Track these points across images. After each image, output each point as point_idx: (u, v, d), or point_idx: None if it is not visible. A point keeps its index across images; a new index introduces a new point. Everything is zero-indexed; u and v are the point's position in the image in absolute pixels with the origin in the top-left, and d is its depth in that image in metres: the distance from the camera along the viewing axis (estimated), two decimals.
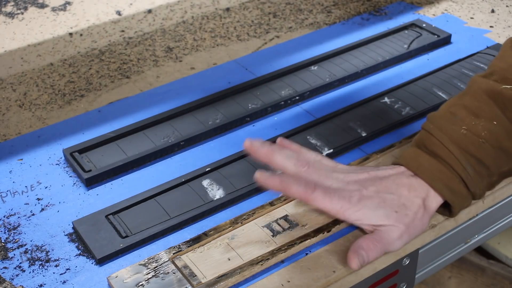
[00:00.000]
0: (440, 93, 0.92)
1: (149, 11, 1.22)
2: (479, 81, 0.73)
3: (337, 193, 0.67)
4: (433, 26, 1.08)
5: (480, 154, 0.69)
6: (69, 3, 1.26)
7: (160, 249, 0.70)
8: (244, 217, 0.73)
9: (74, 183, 0.80)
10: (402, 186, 0.68)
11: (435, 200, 0.69)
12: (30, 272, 0.68)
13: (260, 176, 0.68)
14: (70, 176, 0.81)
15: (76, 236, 0.72)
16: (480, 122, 0.70)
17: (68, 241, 0.72)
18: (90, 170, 0.80)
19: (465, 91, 0.74)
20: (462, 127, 0.70)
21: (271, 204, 0.74)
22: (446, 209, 0.71)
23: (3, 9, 1.25)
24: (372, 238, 0.66)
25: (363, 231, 0.69)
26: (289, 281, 0.65)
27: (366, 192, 0.68)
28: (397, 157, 0.74)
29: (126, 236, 0.71)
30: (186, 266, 0.67)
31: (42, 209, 0.76)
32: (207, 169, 0.79)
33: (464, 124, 0.70)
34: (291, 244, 0.68)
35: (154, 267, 0.67)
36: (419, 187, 0.68)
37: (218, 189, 0.76)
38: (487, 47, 1.02)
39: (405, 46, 1.03)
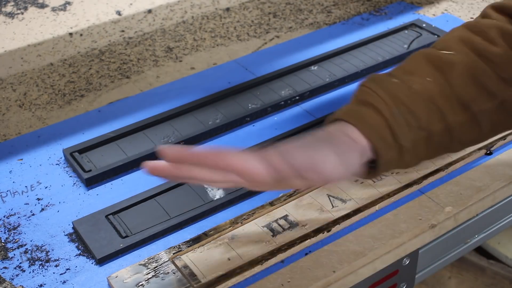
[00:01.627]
0: None
1: (149, 11, 1.22)
2: (420, 50, 0.72)
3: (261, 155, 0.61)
4: (433, 26, 1.08)
5: (410, 102, 0.66)
6: (69, 3, 1.26)
7: (160, 249, 0.70)
8: (244, 217, 0.73)
9: (74, 183, 0.80)
10: (327, 132, 0.65)
11: (361, 139, 0.64)
12: (30, 272, 0.68)
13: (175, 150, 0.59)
14: (70, 176, 0.81)
15: (76, 236, 0.72)
16: (414, 78, 0.68)
17: (68, 241, 0.72)
18: (90, 170, 0.80)
19: (406, 58, 0.73)
20: (395, 79, 0.68)
21: (271, 204, 0.74)
22: (372, 170, 0.66)
23: (3, 9, 1.25)
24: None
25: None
26: (289, 281, 0.65)
27: (288, 146, 0.62)
28: None
29: (126, 236, 0.71)
30: (186, 266, 0.67)
31: (42, 209, 0.76)
32: None
33: (397, 78, 0.68)
34: (291, 244, 0.68)
35: (154, 267, 0.67)
36: (344, 131, 0.64)
37: (218, 189, 0.76)
38: None
39: (405, 46, 1.03)
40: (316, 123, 0.86)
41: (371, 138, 0.64)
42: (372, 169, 0.65)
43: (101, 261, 0.69)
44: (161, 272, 0.66)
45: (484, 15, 0.75)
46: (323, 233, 0.70)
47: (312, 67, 0.99)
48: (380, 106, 0.65)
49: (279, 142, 0.63)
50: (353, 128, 0.64)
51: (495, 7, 0.74)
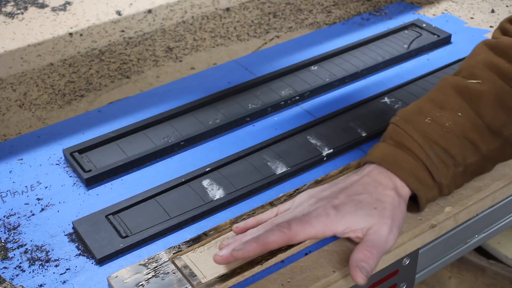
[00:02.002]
0: None
1: (149, 11, 1.22)
2: (447, 78, 0.74)
3: (312, 215, 0.66)
4: (433, 26, 1.08)
5: (445, 142, 0.69)
6: (69, 3, 1.26)
7: (160, 249, 0.70)
8: (244, 217, 0.72)
9: (74, 183, 0.80)
10: (368, 185, 0.68)
11: (404, 190, 0.68)
12: (30, 272, 0.68)
13: (228, 255, 0.64)
14: (70, 176, 0.81)
15: (76, 236, 0.72)
16: (445, 114, 0.70)
17: (68, 241, 0.72)
18: (90, 170, 0.80)
19: (433, 87, 0.75)
20: (427, 118, 0.70)
21: (271, 204, 0.74)
22: (415, 205, 0.71)
23: (3, 9, 1.25)
24: (365, 246, 0.64)
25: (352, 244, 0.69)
26: (289, 281, 0.65)
27: (338, 201, 0.66)
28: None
29: (126, 236, 0.71)
30: (186, 266, 0.67)
31: (42, 209, 0.76)
32: (207, 169, 0.79)
33: (429, 116, 0.70)
34: (291, 244, 0.68)
35: (154, 267, 0.67)
36: (384, 181, 0.68)
37: (218, 189, 0.76)
38: None
39: (405, 46, 1.03)
40: (316, 123, 0.86)
41: (411, 184, 0.68)
42: (413, 203, 0.70)
43: (101, 261, 0.69)
44: (161, 272, 0.66)
45: (503, 30, 0.76)
46: None
47: (312, 67, 0.99)
48: (416, 150, 0.69)
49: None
50: (391, 174, 0.68)
51: None
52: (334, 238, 0.70)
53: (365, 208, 0.66)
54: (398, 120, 0.72)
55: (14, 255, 0.70)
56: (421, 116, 0.71)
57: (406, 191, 0.68)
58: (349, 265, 0.63)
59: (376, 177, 0.68)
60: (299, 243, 0.67)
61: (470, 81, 0.72)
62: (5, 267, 0.69)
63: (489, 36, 1.07)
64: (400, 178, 0.68)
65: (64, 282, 0.67)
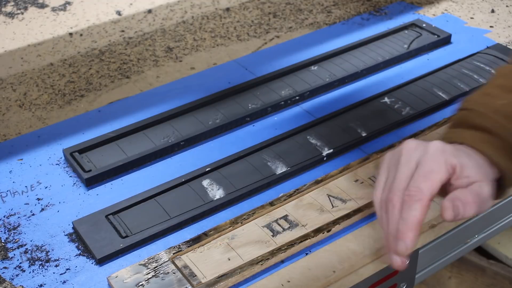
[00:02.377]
0: (440, 93, 0.91)
1: (149, 11, 1.22)
2: (505, 67, 0.72)
3: (426, 159, 0.61)
4: (433, 26, 1.08)
5: None
6: (69, 3, 1.26)
7: (160, 249, 0.70)
8: (244, 217, 0.73)
9: (74, 183, 0.80)
10: (467, 150, 0.63)
11: (492, 171, 0.64)
12: (30, 272, 0.68)
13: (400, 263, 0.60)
14: (70, 176, 0.81)
15: (76, 236, 0.72)
16: None
17: (68, 241, 0.72)
18: (90, 170, 0.80)
19: (494, 76, 0.72)
20: (499, 99, 0.67)
21: (271, 204, 0.74)
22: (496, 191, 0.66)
23: (3, 9, 1.25)
24: (471, 190, 0.59)
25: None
26: (289, 281, 0.65)
27: (445, 146, 0.62)
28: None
29: (126, 236, 0.71)
30: (186, 266, 0.67)
31: (42, 209, 0.76)
32: (207, 169, 0.79)
33: (501, 98, 0.67)
34: (291, 244, 0.68)
35: (154, 267, 0.67)
36: (481, 158, 0.63)
37: (218, 189, 0.76)
38: (487, 47, 1.02)
39: (405, 46, 1.03)
40: (316, 123, 0.86)
41: (500, 162, 0.63)
42: (499, 188, 0.65)
43: (101, 261, 0.69)
44: (161, 272, 0.66)
45: None
46: (323, 233, 0.70)
47: (312, 67, 0.99)
48: (499, 130, 0.64)
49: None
50: (475, 151, 0.63)
51: None
52: (334, 237, 0.70)
53: (474, 161, 0.62)
54: (470, 104, 0.67)
55: (14, 255, 0.70)
56: (494, 99, 0.67)
57: (494, 174, 0.64)
58: (445, 198, 0.59)
59: (471, 152, 0.64)
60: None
61: None
62: (5, 267, 0.69)
63: (489, 36, 1.07)
64: (487, 157, 0.63)
65: (64, 282, 0.67)
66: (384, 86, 0.95)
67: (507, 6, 1.17)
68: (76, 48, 1.11)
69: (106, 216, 0.73)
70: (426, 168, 0.60)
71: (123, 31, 1.15)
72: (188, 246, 0.69)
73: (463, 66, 0.98)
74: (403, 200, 0.59)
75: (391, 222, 0.60)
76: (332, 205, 0.73)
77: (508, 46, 1.03)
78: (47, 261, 0.69)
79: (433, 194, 0.59)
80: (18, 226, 0.74)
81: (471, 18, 1.13)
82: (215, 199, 0.75)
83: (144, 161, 0.82)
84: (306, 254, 0.68)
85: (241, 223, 0.72)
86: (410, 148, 0.62)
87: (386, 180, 0.63)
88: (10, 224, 0.74)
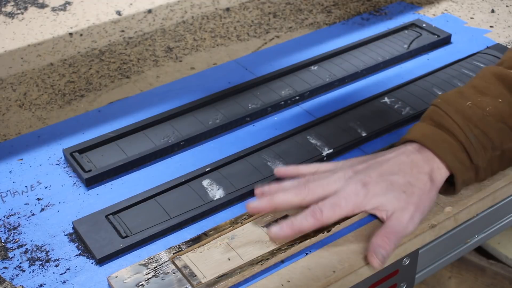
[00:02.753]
0: (440, 93, 0.91)
1: (149, 11, 1.22)
2: (488, 68, 0.76)
3: (342, 195, 0.68)
4: (433, 26, 1.08)
5: (484, 126, 0.70)
6: (69, 3, 1.26)
7: (160, 249, 0.70)
8: (244, 217, 0.72)
9: (74, 183, 0.80)
10: (404, 165, 0.69)
11: (440, 173, 0.70)
12: (30, 272, 0.68)
13: (274, 234, 0.68)
14: (70, 176, 0.81)
15: (76, 236, 0.72)
16: (486, 99, 0.72)
17: (68, 241, 0.72)
18: (90, 170, 0.80)
19: (474, 76, 0.77)
20: (468, 101, 0.72)
21: None
22: (450, 187, 0.72)
23: (3, 9, 1.25)
24: (384, 231, 0.67)
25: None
26: (289, 281, 0.65)
27: (368, 179, 0.69)
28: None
29: (126, 236, 0.71)
30: (186, 266, 0.67)
31: (42, 209, 0.76)
32: (207, 169, 0.79)
33: (470, 100, 0.72)
34: (291, 244, 0.68)
35: (154, 267, 0.67)
36: (421, 162, 0.70)
37: (218, 189, 0.76)
38: (487, 47, 1.02)
39: (405, 46, 1.03)
40: (316, 123, 0.86)
41: (450, 163, 0.69)
42: (450, 186, 0.72)
43: (101, 261, 0.69)
44: (161, 272, 0.66)
45: None
46: (323, 233, 0.70)
47: (312, 67, 0.99)
48: (456, 131, 0.70)
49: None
50: (430, 154, 0.70)
51: None
52: (334, 237, 0.70)
53: (395, 190, 0.68)
54: (439, 102, 0.73)
55: (14, 255, 0.70)
56: (462, 100, 0.72)
57: (441, 175, 0.70)
58: (368, 250, 0.66)
59: (413, 157, 0.70)
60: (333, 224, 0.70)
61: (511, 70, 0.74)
62: (5, 267, 0.69)
63: (489, 36, 1.07)
64: (439, 157, 0.69)
65: (64, 282, 0.67)
66: (384, 86, 0.95)
67: (507, 6, 1.17)
68: (76, 48, 1.11)
69: (106, 216, 0.73)
70: (336, 200, 0.68)
71: (123, 31, 1.15)
72: (188, 246, 0.69)
73: (463, 66, 0.98)
74: (305, 207, 0.68)
75: (279, 207, 0.69)
76: None
77: (508, 46, 1.03)
78: (47, 261, 0.69)
79: (330, 222, 0.68)
80: (18, 226, 0.74)
81: (471, 18, 1.13)
82: (215, 199, 0.75)
83: (144, 161, 0.82)
84: (306, 254, 0.68)
85: (241, 223, 0.72)
86: (344, 173, 0.70)
87: (317, 172, 0.72)
88: (10, 224, 0.74)
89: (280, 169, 0.74)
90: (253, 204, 0.70)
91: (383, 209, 0.68)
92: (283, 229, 0.67)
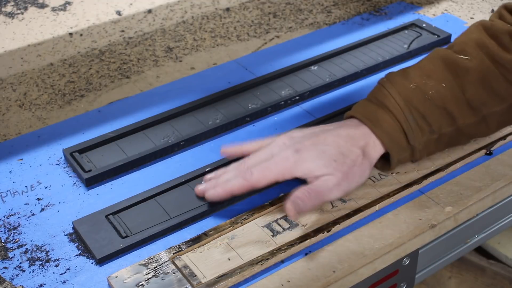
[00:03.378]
0: None
1: (149, 11, 1.22)
2: (438, 50, 0.77)
3: (273, 160, 0.70)
4: (433, 26, 1.08)
5: (424, 109, 0.72)
6: (69, 3, 1.26)
7: (160, 249, 0.70)
8: (244, 217, 0.73)
9: (74, 183, 0.80)
10: (339, 138, 0.71)
11: (375, 149, 0.71)
12: (30, 272, 0.68)
13: (201, 192, 0.73)
14: (70, 176, 0.81)
15: (76, 236, 0.72)
16: (430, 82, 0.73)
17: (68, 241, 0.72)
18: (90, 170, 0.80)
19: (426, 56, 0.78)
20: (412, 83, 0.73)
21: (271, 204, 0.74)
22: (386, 164, 0.74)
23: (3, 9, 1.25)
24: (307, 187, 0.68)
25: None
26: (289, 281, 0.65)
27: (301, 146, 0.70)
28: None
29: (126, 236, 0.71)
30: (186, 266, 0.67)
31: (42, 209, 0.76)
32: (207, 169, 0.79)
33: (414, 81, 0.74)
34: (291, 244, 0.68)
35: (154, 267, 0.67)
36: (358, 137, 0.71)
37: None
38: None
39: (405, 46, 1.03)
40: (316, 123, 0.86)
41: (386, 142, 0.71)
42: (385, 162, 0.73)
43: (101, 261, 0.69)
44: (161, 272, 0.66)
45: (499, 15, 0.79)
46: (323, 233, 0.70)
47: (312, 67, 0.99)
48: (396, 111, 0.72)
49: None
50: (367, 131, 0.71)
51: (508, 8, 0.78)
52: (334, 238, 0.70)
53: (325, 158, 0.69)
54: (384, 81, 0.75)
55: (14, 255, 0.70)
56: (407, 81, 0.74)
57: (376, 152, 0.71)
58: (288, 200, 0.67)
59: (350, 131, 0.71)
60: (264, 188, 0.73)
61: (459, 56, 0.75)
62: (5, 267, 0.69)
63: None
64: (376, 135, 0.71)
65: (64, 282, 0.67)
66: None
67: None
68: (76, 48, 1.11)
69: (106, 216, 0.73)
70: (268, 164, 0.70)
71: (123, 31, 1.15)
72: (188, 246, 0.69)
73: None
74: (241, 170, 0.70)
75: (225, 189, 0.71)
76: (332, 205, 0.73)
77: None
78: (47, 261, 0.69)
79: (260, 185, 0.70)
80: (18, 226, 0.74)
81: (471, 18, 1.13)
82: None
83: (144, 161, 0.82)
84: (306, 254, 0.68)
85: (241, 223, 0.72)
86: (282, 141, 0.72)
87: (260, 147, 0.73)
88: (10, 224, 0.74)
89: (226, 150, 0.76)
90: (200, 186, 0.73)
91: (312, 175, 0.69)
92: (216, 189, 0.71)
